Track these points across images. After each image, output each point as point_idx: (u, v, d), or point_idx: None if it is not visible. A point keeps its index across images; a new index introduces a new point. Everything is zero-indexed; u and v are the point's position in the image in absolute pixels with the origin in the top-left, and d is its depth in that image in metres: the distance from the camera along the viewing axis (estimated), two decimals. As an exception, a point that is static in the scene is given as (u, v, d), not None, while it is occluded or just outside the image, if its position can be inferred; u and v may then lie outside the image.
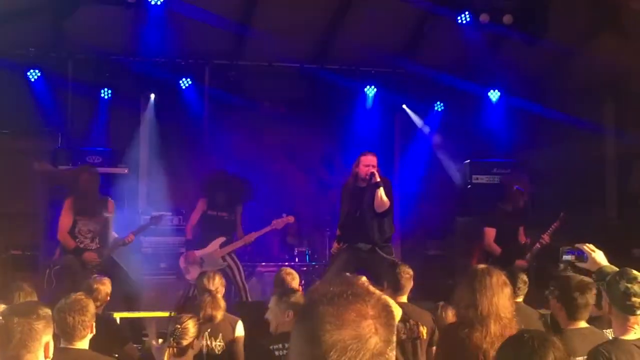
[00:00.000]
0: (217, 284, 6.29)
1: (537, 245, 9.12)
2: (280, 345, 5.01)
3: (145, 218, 9.49)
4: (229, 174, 9.99)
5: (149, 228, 9.18)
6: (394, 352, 1.72)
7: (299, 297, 5.36)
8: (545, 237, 9.06)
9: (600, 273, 4.41)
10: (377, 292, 1.79)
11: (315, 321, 1.68)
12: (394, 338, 1.73)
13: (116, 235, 8.97)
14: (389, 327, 1.72)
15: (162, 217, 9.30)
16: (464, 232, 10.86)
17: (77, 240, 8.73)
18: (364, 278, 5.85)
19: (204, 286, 6.20)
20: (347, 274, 6.49)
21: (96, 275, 7.05)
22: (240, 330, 5.83)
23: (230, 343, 5.66)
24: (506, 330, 4.07)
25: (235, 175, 10.03)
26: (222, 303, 5.82)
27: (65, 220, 8.76)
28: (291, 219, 9.56)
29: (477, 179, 11.49)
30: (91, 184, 8.87)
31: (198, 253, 9.38)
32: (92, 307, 4.69)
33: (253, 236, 9.54)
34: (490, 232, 9.33)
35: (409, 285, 6.14)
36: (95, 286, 6.34)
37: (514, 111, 11.54)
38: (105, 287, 6.43)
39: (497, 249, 9.22)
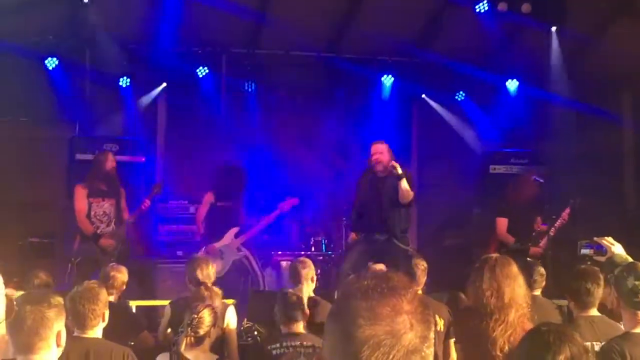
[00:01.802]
0: (211, 274, 6.27)
1: (551, 232, 9.05)
2: (278, 345, 5.04)
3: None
4: (230, 163, 10.00)
5: (159, 192, 9.21)
6: (432, 350, 1.64)
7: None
8: (559, 223, 8.98)
9: (610, 263, 4.37)
10: (414, 286, 1.71)
11: (348, 316, 1.61)
12: (432, 335, 1.65)
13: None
14: (426, 323, 1.64)
15: (161, 184, 9.35)
16: (481, 222, 10.80)
17: (93, 225, 8.81)
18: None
19: (197, 277, 6.18)
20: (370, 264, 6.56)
21: (113, 263, 7.08)
22: (230, 315, 5.83)
23: (223, 329, 5.69)
24: (525, 321, 4.03)
25: (235, 164, 10.03)
26: (219, 292, 5.82)
27: (81, 205, 8.84)
28: (295, 200, 9.57)
29: (495, 169, 11.43)
30: (103, 166, 8.95)
31: (217, 245, 9.40)
32: (104, 296, 4.69)
33: (264, 223, 9.55)
34: (502, 222, 9.27)
35: (423, 277, 6.16)
36: (111, 274, 6.34)
37: (532, 101, 11.46)
38: (122, 275, 6.43)
39: (510, 239, 9.16)
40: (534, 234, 9.26)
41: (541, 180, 9.37)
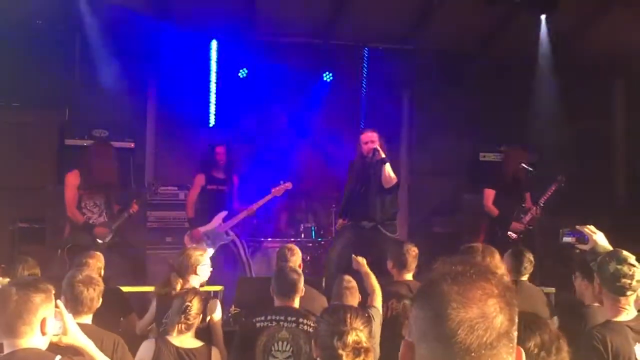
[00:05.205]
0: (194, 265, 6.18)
1: (534, 209, 9.08)
2: (263, 317, 5.08)
3: (144, 187, 9.47)
4: (223, 146, 9.94)
5: (150, 195, 9.16)
6: (516, 334, 1.68)
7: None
8: (543, 199, 9.04)
9: (593, 253, 4.40)
10: (500, 271, 1.72)
11: (439, 300, 1.65)
12: (517, 318, 1.69)
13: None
14: (513, 307, 1.68)
15: (158, 183, 9.28)
16: (471, 209, 10.81)
17: (85, 215, 8.65)
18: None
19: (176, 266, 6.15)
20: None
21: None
22: (216, 311, 5.81)
23: (208, 322, 5.68)
24: None
25: (228, 148, 9.98)
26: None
27: (70, 195, 8.65)
28: (289, 185, 9.54)
29: (485, 156, 11.45)
30: (95, 157, 8.79)
31: (202, 230, 9.38)
32: (100, 283, 4.80)
33: (254, 207, 9.51)
34: (489, 193, 9.34)
35: (414, 263, 6.20)
36: (84, 260, 6.21)
37: (521, 89, 11.44)
38: (95, 260, 6.25)
39: (495, 211, 9.25)
40: (519, 208, 9.28)
41: (530, 169, 9.38)
